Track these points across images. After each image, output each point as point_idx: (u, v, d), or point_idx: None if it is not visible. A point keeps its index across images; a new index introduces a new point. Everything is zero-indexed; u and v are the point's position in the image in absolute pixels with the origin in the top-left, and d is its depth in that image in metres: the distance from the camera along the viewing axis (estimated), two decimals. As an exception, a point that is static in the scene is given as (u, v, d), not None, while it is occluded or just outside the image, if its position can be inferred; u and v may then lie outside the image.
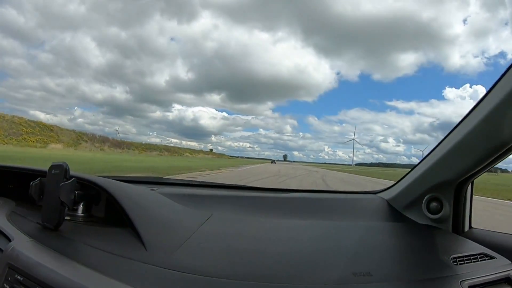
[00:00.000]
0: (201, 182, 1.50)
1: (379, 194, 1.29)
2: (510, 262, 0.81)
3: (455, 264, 0.77)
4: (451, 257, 0.79)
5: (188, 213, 0.95)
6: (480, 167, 0.92)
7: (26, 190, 0.82)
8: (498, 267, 0.78)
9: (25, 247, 0.65)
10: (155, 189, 1.15)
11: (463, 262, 0.79)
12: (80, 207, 0.85)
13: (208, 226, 0.88)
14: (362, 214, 1.16)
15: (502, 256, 0.84)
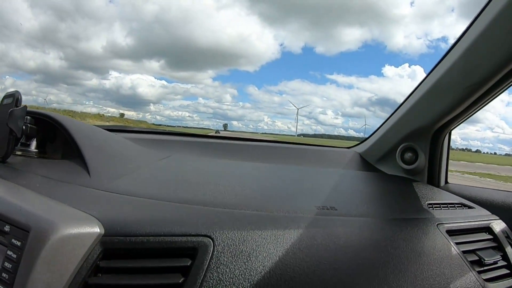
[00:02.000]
0: (164, 130, 1.44)
1: (352, 148, 1.22)
2: (490, 213, 0.78)
3: (431, 209, 0.73)
4: (426, 202, 0.75)
5: (147, 151, 0.89)
6: (458, 111, 0.85)
7: None
8: (478, 216, 0.75)
9: None
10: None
11: (439, 208, 0.74)
12: (33, 142, 0.79)
13: (164, 162, 0.82)
14: (334, 165, 1.08)
15: (480, 207, 0.80)
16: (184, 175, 0.75)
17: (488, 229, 0.71)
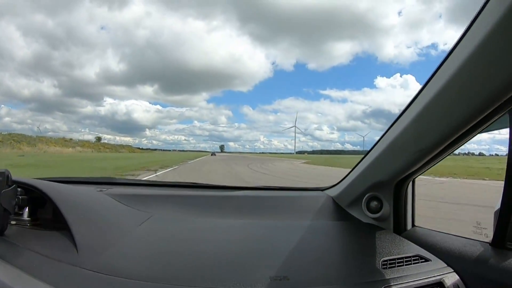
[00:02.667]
0: (148, 181, 1.54)
1: (326, 191, 1.28)
2: (445, 265, 0.79)
3: (384, 268, 0.75)
4: (382, 260, 0.78)
5: (128, 213, 0.97)
6: (416, 168, 0.90)
7: None
8: (432, 271, 0.76)
9: None
10: (104, 189, 1.16)
11: (393, 265, 0.77)
12: (26, 211, 0.86)
13: (145, 227, 0.90)
14: (306, 212, 1.14)
15: (437, 259, 0.82)
16: (162, 244, 0.83)
17: (440, 284, 0.73)
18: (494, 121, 0.70)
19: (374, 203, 1.03)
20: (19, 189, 0.78)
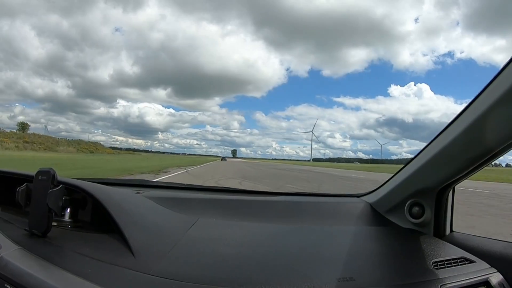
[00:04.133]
0: (186, 185, 1.53)
1: (362, 198, 1.31)
2: (489, 266, 0.83)
3: (436, 269, 0.79)
4: (432, 261, 0.82)
5: (174, 217, 0.97)
6: (460, 175, 0.94)
7: (10, 194, 0.80)
8: (478, 271, 0.80)
9: (13, 255, 0.64)
10: (141, 192, 1.17)
11: (443, 266, 0.81)
12: (67, 212, 0.84)
13: (194, 231, 0.89)
14: (346, 218, 1.18)
15: (481, 260, 0.86)
16: (216, 247, 0.83)
17: (486, 283, 0.77)
18: None
19: (416, 209, 1.06)
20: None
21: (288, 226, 1.06)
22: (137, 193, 1.14)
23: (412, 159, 1.06)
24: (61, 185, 0.74)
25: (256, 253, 0.80)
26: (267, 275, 0.68)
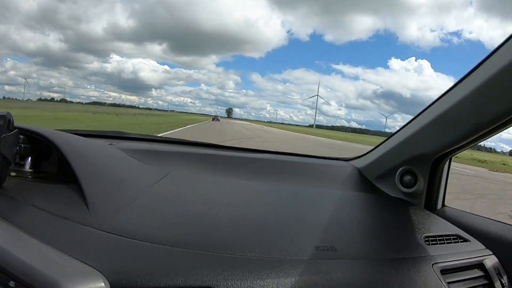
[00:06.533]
0: (163, 137, 1.44)
1: (351, 162, 1.24)
2: (484, 247, 0.77)
3: (428, 244, 0.72)
4: (423, 235, 0.75)
5: (143, 169, 0.89)
6: (463, 144, 0.85)
7: None
8: (472, 252, 0.74)
9: None
10: (114, 143, 1.09)
11: (435, 242, 0.74)
12: (28, 161, 0.78)
13: (162, 185, 0.82)
14: (332, 181, 1.10)
15: (476, 240, 0.80)
16: (183, 204, 0.75)
17: (480, 266, 0.71)
18: None
19: (408, 178, 0.98)
20: (21, 136, 0.70)
21: (267, 184, 0.99)
22: (110, 144, 1.06)
23: (409, 122, 0.97)
24: (16, 129, 0.66)
25: (227, 213, 0.73)
26: (237, 240, 0.60)
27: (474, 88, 0.73)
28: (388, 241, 0.73)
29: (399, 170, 1.00)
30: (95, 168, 0.75)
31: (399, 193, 1.01)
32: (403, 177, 0.99)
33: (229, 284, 0.47)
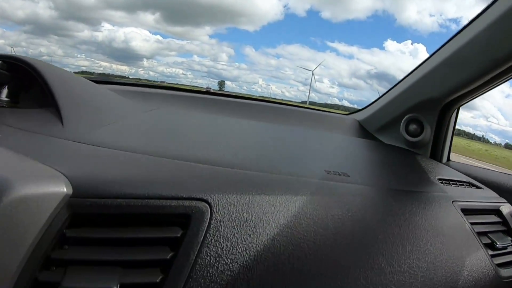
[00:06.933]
0: (157, 83, 1.33)
1: (351, 115, 1.18)
2: (497, 195, 0.74)
3: (442, 184, 0.68)
4: (436, 177, 0.71)
5: (129, 103, 0.78)
6: (473, 87, 0.81)
7: None
8: (487, 198, 0.71)
9: None
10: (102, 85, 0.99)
11: (449, 184, 0.70)
12: (5, 90, 0.69)
13: (150, 115, 0.72)
14: (331, 131, 1.05)
15: (489, 189, 0.76)
16: (174, 128, 0.67)
17: (497, 212, 0.67)
18: None
19: (413, 126, 0.93)
20: (0, 62, 0.63)
21: (270, 124, 0.90)
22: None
23: (414, 70, 0.92)
24: None
25: (224, 138, 0.65)
26: (236, 157, 0.52)
27: (488, 25, 0.69)
28: (402, 176, 0.68)
29: (405, 118, 0.95)
30: (76, 95, 0.67)
31: (402, 143, 0.97)
32: (409, 125, 0.94)
33: (226, 198, 0.39)
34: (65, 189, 0.33)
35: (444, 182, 0.70)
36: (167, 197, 0.36)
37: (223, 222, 0.37)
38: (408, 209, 0.53)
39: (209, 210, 0.37)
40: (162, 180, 0.38)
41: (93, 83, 0.86)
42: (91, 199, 0.34)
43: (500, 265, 0.57)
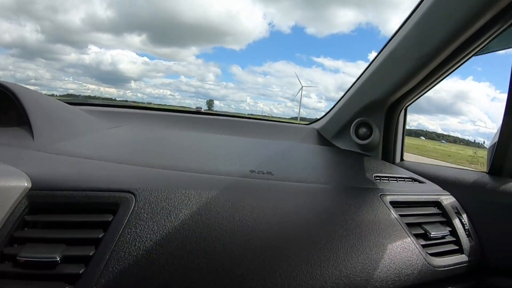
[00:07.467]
0: (124, 103, 1.36)
1: (310, 125, 1.22)
2: (440, 188, 0.77)
3: (377, 181, 0.71)
4: (373, 175, 0.74)
5: (95, 121, 0.87)
6: (411, 86, 0.84)
7: None
8: (427, 191, 0.74)
9: None
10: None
11: (387, 180, 0.73)
12: None
13: (111, 131, 0.82)
14: (290, 140, 1.08)
15: (432, 183, 0.79)
16: (127, 140, 0.76)
17: (437, 204, 0.70)
18: (499, 33, 0.68)
19: (363, 130, 0.95)
20: None
21: (220, 136, 0.97)
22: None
23: (360, 75, 0.95)
24: None
25: (167, 147, 0.75)
26: (170, 162, 0.61)
27: (415, 23, 0.74)
28: (334, 174, 0.71)
29: (354, 122, 0.97)
30: (47, 114, 0.76)
31: (356, 147, 0.99)
32: (358, 129, 0.97)
33: (148, 191, 0.48)
34: (26, 184, 0.43)
35: (381, 178, 0.73)
36: (102, 189, 0.46)
37: (144, 209, 0.45)
38: (329, 202, 0.57)
39: (134, 199, 0.46)
40: (99, 177, 0.49)
41: (65, 103, 0.94)
42: (46, 191, 0.44)
43: (435, 254, 0.59)
